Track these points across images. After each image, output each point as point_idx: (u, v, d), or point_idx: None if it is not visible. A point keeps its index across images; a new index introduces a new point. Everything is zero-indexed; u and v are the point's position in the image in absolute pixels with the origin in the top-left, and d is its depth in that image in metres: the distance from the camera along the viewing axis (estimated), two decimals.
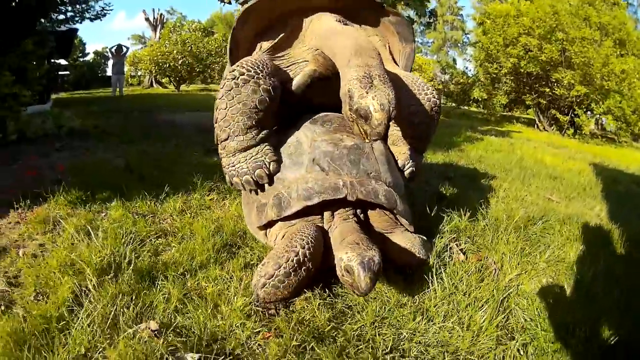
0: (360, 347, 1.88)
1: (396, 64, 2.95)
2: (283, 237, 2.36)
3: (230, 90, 2.32)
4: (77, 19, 10.04)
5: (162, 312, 1.93)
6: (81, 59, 32.27)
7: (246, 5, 2.56)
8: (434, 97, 2.69)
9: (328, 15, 2.61)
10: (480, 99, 25.84)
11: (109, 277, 2.16)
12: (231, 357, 1.74)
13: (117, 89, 16.82)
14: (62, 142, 5.98)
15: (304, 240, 2.08)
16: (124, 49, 17.99)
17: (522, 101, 24.11)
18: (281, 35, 2.64)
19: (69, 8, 9.14)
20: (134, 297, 2.00)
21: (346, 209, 2.39)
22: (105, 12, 11.25)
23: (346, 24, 2.59)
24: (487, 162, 6.90)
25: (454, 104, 26.23)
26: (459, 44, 60.05)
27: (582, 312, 2.26)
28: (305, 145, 2.53)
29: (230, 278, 2.31)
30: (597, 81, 19.52)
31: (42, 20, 8.17)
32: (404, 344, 1.91)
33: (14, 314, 1.86)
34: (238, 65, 2.35)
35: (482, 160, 6.98)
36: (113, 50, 16.93)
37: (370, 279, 1.86)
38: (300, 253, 2.02)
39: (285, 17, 2.69)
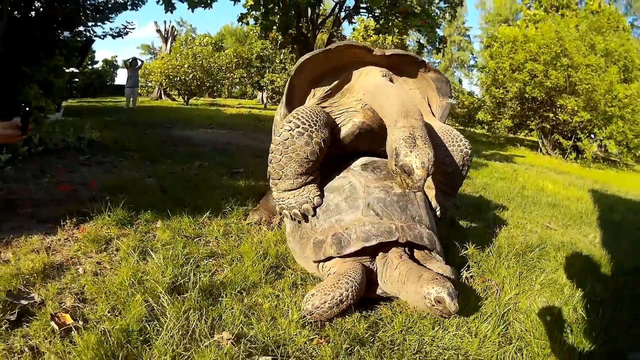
0: (394, 349, 2.26)
1: (433, 115, 3.26)
2: (334, 272, 2.66)
3: (285, 140, 2.63)
4: (101, 35, 10.39)
5: (230, 325, 2.22)
6: (90, 67, 32.52)
7: (303, 57, 2.84)
8: (467, 149, 3.04)
9: (376, 70, 2.93)
10: (485, 121, 26.32)
11: (178, 294, 2.44)
12: (294, 357, 2.07)
13: (131, 102, 17.14)
14: (85, 155, 6.22)
15: (349, 283, 2.41)
16: (139, 62, 18.32)
17: (526, 125, 24.52)
18: (333, 84, 2.93)
19: (93, 23, 9.45)
20: (203, 312, 2.27)
21: (398, 248, 2.74)
22: (128, 30, 11.58)
23: (391, 79, 2.91)
24: (492, 189, 7.30)
25: (459, 125, 26.75)
26: (465, 65, 60.78)
27: (568, 325, 2.71)
28: (360, 191, 2.85)
29: (280, 296, 2.63)
30: (601, 107, 19.87)
31: (66, 33, 8.45)
32: (426, 348, 2.29)
33: (94, 329, 2.09)
34: (294, 117, 2.66)
35: (487, 188, 7.37)
36: (128, 63, 17.28)
37: (456, 304, 2.28)
38: (343, 295, 2.36)
39: (337, 68, 2.97)
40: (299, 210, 2.86)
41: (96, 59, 35.21)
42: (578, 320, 2.82)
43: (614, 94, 19.70)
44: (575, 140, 21.53)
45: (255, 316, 2.36)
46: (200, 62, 27.88)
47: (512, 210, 5.98)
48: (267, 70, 33.15)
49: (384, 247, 2.73)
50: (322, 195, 2.91)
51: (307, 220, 2.91)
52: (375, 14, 16.79)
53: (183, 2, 13.25)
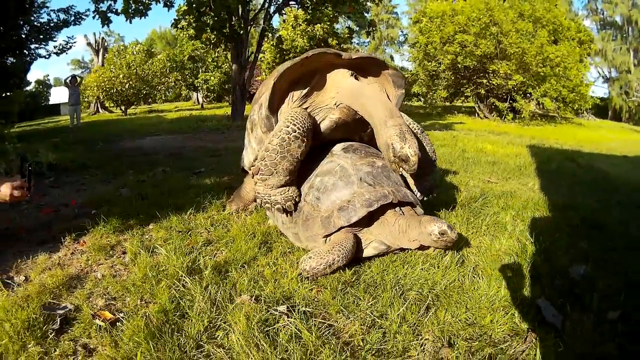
0: (376, 286, 2.85)
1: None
2: (330, 241, 3.16)
3: (283, 142, 3.10)
4: (45, 55, 10.40)
5: (245, 290, 2.72)
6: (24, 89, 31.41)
7: (284, 66, 3.31)
8: (430, 143, 3.89)
9: (344, 71, 3.44)
10: (420, 94, 27.22)
11: (196, 275, 2.91)
12: (302, 304, 2.58)
13: (75, 119, 16.95)
14: (49, 178, 6.38)
15: (341, 250, 2.92)
16: (78, 79, 18.09)
17: (461, 93, 25.52)
18: (308, 87, 3.42)
19: (37, 45, 9.47)
20: (220, 285, 2.76)
21: (391, 210, 3.24)
22: (70, 45, 11.54)
23: (357, 77, 3.45)
24: None
25: None
26: (395, 42, 61.94)
27: (515, 253, 3.39)
28: (350, 169, 3.32)
29: (276, 263, 3.18)
30: (533, 68, 21.08)
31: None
32: (401, 282, 2.88)
33: (134, 315, 2.47)
34: (292, 122, 3.12)
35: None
36: (68, 81, 17.05)
37: (455, 232, 2.96)
38: (336, 259, 2.89)
39: (310, 72, 3.44)
40: (283, 206, 3.34)
41: (28, 79, 33.86)
42: (522, 248, 3.47)
43: (545, 55, 20.96)
44: (511, 101, 22.77)
45: (262, 281, 2.89)
46: (135, 70, 27.59)
47: (454, 171, 6.66)
48: (200, 70, 33.04)
49: (382, 211, 3.21)
50: (300, 196, 3.43)
51: (288, 214, 3.43)
52: (305, 5, 17.25)
53: (119, 15, 13.37)
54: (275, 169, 3.20)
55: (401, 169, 2.98)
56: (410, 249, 3.21)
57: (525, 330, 2.41)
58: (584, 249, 3.60)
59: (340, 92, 3.40)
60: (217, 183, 5.54)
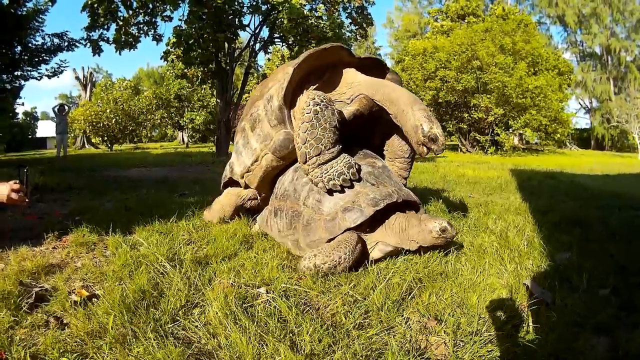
0: (358, 274, 2.88)
1: None
2: (334, 241, 2.99)
3: (317, 114, 2.99)
4: (37, 77, 10.47)
5: (225, 277, 2.68)
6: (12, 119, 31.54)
7: (306, 53, 3.33)
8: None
9: (354, 70, 3.50)
10: None
11: (176, 263, 2.87)
12: (283, 289, 2.54)
13: (62, 149, 16.90)
14: (34, 195, 6.17)
15: (348, 248, 2.83)
16: (66, 108, 18.10)
17: (443, 128, 26.05)
18: (320, 82, 3.47)
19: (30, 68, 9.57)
20: (199, 272, 2.73)
21: (394, 212, 3.13)
22: (62, 69, 11.60)
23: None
24: (414, 181, 7.93)
25: None
26: None
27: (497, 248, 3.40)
28: None
29: (257, 256, 3.13)
30: (514, 100, 21.63)
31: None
32: (383, 271, 2.88)
33: (110, 290, 2.45)
34: (313, 99, 3.03)
35: (409, 181, 8.04)
36: (56, 109, 17.07)
37: (454, 229, 2.92)
38: (342, 257, 2.79)
39: (320, 68, 3.51)
40: (347, 175, 3.08)
41: (16, 110, 34.07)
42: (504, 241, 3.54)
43: (525, 87, 21.53)
44: (492, 134, 23.18)
45: (242, 270, 2.86)
46: (122, 106, 27.76)
47: (435, 189, 6.74)
48: (186, 109, 33.34)
49: (385, 211, 3.08)
50: (358, 164, 3.24)
51: (352, 187, 3.12)
52: (289, 42, 17.64)
53: (110, 44, 13.56)
54: (321, 144, 3.04)
55: (428, 150, 2.98)
56: (410, 250, 3.12)
57: (514, 306, 2.41)
58: (567, 240, 3.68)
59: (355, 87, 3.43)
60: (200, 201, 5.53)
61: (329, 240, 3.02)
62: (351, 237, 2.93)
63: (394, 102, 3.14)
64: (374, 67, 3.70)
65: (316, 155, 3.07)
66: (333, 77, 3.54)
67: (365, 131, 3.73)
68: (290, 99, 3.39)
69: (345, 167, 3.08)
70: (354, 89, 3.42)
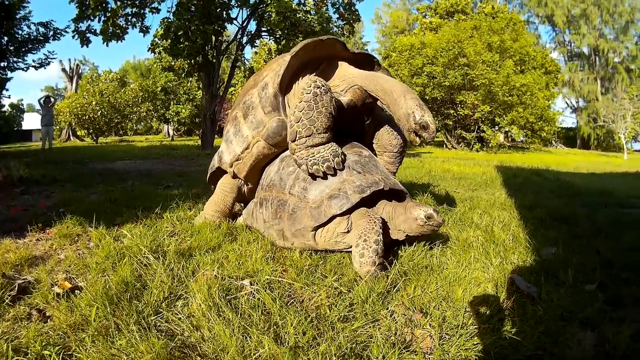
0: (342, 266, 2.89)
1: None
2: (349, 229, 2.95)
3: (316, 97, 2.99)
4: (23, 67, 10.34)
5: (209, 269, 2.65)
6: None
7: (303, 42, 3.31)
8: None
9: (348, 64, 3.54)
10: None
11: (160, 255, 2.84)
12: (267, 282, 2.52)
13: (47, 141, 16.68)
14: (19, 187, 6.27)
15: (374, 228, 2.75)
16: (52, 100, 17.86)
17: None
18: (316, 72, 3.44)
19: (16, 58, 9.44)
20: (182, 264, 2.70)
21: (382, 200, 3.15)
22: (50, 60, 11.49)
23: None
24: (399, 176, 7.81)
25: None
26: None
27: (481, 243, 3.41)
28: None
29: (241, 249, 3.10)
30: (500, 97, 21.74)
31: None
32: None
33: (93, 282, 2.43)
34: (314, 81, 3.04)
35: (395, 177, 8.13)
36: (41, 101, 16.83)
37: (441, 217, 2.88)
38: (378, 236, 2.71)
39: (314, 60, 3.51)
40: (332, 163, 3.06)
41: (2, 102, 33.71)
42: (490, 236, 3.56)
43: (512, 84, 21.65)
44: (478, 131, 23.31)
45: (226, 262, 2.85)
46: (107, 98, 27.49)
47: (420, 185, 6.72)
48: (172, 102, 33.15)
49: (372, 200, 3.09)
50: (344, 153, 3.23)
51: (335, 175, 3.09)
52: (277, 36, 17.59)
53: (97, 36, 13.42)
54: (314, 126, 3.04)
55: (419, 137, 3.01)
56: (399, 240, 3.10)
57: (500, 300, 2.41)
58: (553, 235, 3.71)
59: (349, 79, 3.44)
60: (184, 193, 5.51)
61: (315, 228, 3.01)
62: (372, 217, 2.87)
63: (387, 92, 3.16)
64: (366, 62, 3.72)
65: (307, 137, 3.07)
66: (328, 69, 3.55)
67: (357, 125, 3.71)
68: (285, 87, 3.39)
69: (331, 154, 3.08)
70: (347, 81, 3.44)
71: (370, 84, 3.30)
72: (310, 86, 3.02)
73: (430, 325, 2.13)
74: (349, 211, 2.97)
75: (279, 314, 2.14)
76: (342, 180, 3.05)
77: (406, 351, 1.94)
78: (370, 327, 2.12)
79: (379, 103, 3.50)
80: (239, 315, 2.11)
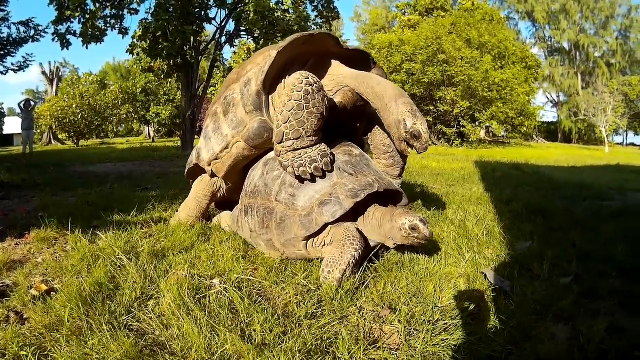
0: (313, 264, 2.94)
1: None
2: (335, 240, 2.75)
3: (307, 95, 2.73)
4: (2, 71, 10.22)
5: (181, 269, 2.73)
6: None
7: (290, 38, 3.06)
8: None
9: (339, 63, 3.34)
10: None
11: (133, 256, 2.89)
12: (237, 280, 2.60)
13: (28, 145, 16.49)
14: (0, 193, 6.24)
15: (354, 241, 2.63)
16: (32, 104, 17.64)
17: None
18: (305, 70, 3.08)
19: None
20: (155, 265, 2.77)
21: (374, 204, 2.96)
22: (28, 63, 11.37)
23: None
24: None
25: None
26: None
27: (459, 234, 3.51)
28: None
29: (214, 249, 3.17)
30: (480, 93, 21.87)
31: None
32: None
33: (68, 284, 2.49)
34: (306, 78, 2.76)
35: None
36: (22, 105, 16.63)
37: (429, 229, 2.62)
38: (354, 255, 2.58)
39: (306, 56, 3.31)
40: (320, 165, 2.84)
41: None
42: (463, 231, 3.64)
43: (491, 80, 21.80)
44: (458, 127, 23.46)
45: (198, 262, 2.92)
46: (88, 101, 27.28)
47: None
48: (152, 104, 32.99)
49: (366, 203, 2.90)
50: (333, 154, 3.01)
51: (323, 177, 2.89)
52: (255, 36, 17.59)
53: (77, 38, 13.32)
54: (303, 128, 2.80)
55: (410, 148, 2.86)
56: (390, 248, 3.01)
57: (472, 295, 2.44)
58: (529, 229, 3.78)
59: (339, 79, 3.27)
60: (161, 194, 5.55)
61: (306, 238, 2.83)
62: (346, 229, 2.75)
63: (379, 96, 2.97)
64: (359, 59, 3.52)
65: (294, 139, 2.84)
66: (316, 67, 3.31)
67: (347, 122, 3.52)
68: (269, 85, 3.15)
69: (319, 155, 2.85)
70: (336, 81, 3.26)
71: (361, 86, 3.11)
72: (301, 83, 2.76)
73: (398, 321, 2.16)
74: (343, 218, 2.81)
75: (247, 312, 2.21)
76: (333, 184, 2.85)
77: (372, 347, 1.98)
78: (337, 323, 2.16)
79: (370, 108, 3.29)
80: (207, 314, 2.17)
